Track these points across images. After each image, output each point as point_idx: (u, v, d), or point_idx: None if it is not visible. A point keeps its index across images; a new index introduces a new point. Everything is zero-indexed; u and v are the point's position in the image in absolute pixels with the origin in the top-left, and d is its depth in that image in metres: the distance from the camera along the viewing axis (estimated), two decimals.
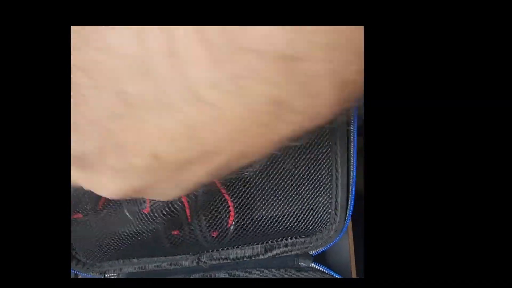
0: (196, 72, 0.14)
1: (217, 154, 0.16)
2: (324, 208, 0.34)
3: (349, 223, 0.35)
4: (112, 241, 0.34)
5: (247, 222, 0.34)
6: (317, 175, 0.33)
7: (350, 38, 0.14)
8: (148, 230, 0.32)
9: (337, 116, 0.17)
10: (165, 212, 0.30)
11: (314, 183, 0.34)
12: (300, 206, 0.34)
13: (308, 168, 0.33)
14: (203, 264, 0.35)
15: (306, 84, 0.15)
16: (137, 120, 0.15)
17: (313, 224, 0.35)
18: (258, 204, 0.34)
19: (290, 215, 0.34)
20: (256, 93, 0.15)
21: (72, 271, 0.36)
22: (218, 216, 0.33)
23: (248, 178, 0.33)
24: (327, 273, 0.36)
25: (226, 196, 0.33)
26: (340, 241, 0.35)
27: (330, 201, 0.34)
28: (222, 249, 0.35)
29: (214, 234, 0.34)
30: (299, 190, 0.34)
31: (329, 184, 0.34)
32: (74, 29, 0.15)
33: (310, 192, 0.34)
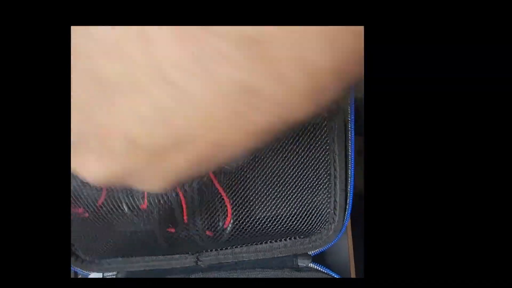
0: (163, 52, 0.14)
1: (192, 142, 0.16)
2: (323, 207, 0.34)
3: (347, 223, 0.35)
4: (110, 238, 0.34)
5: (245, 222, 0.34)
6: (315, 173, 0.33)
7: (321, 27, 0.14)
8: (145, 225, 0.32)
9: (320, 110, 0.17)
10: (161, 208, 0.30)
11: (313, 182, 0.34)
12: (298, 206, 0.34)
13: (306, 167, 0.33)
14: (201, 263, 0.35)
15: (275, 69, 0.15)
16: (112, 103, 0.16)
17: (312, 224, 0.35)
18: (256, 204, 0.34)
19: (288, 216, 0.34)
20: (222, 76, 0.15)
21: (72, 269, 0.36)
22: (215, 216, 0.33)
23: (247, 179, 0.33)
24: (326, 273, 0.36)
25: (224, 197, 0.33)
26: (339, 241, 0.35)
27: (329, 200, 0.34)
28: (221, 249, 0.35)
29: (210, 233, 0.33)
30: (298, 190, 0.34)
31: (327, 183, 0.34)
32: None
33: (309, 191, 0.34)
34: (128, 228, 0.33)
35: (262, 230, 0.34)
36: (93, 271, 0.36)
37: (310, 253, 0.37)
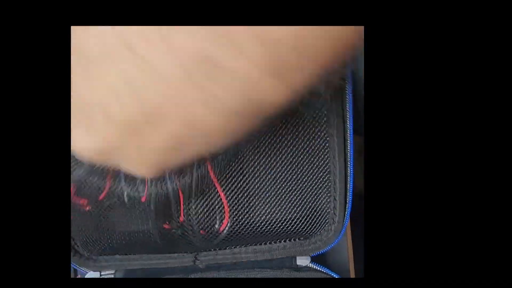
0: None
1: (163, 119, 0.17)
2: (323, 208, 0.34)
3: (347, 223, 0.35)
4: (109, 235, 0.34)
5: (243, 225, 0.33)
6: (315, 172, 0.33)
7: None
8: (142, 219, 0.32)
9: (292, 94, 0.17)
10: (158, 201, 0.30)
11: (313, 182, 0.33)
12: (299, 209, 0.34)
13: (306, 167, 0.33)
14: (199, 263, 0.35)
15: (232, 40, 0.15)
16: (89, 76, 0.16)
17: (312, 226, 0.35)
18: (255, 207, 0.33)
19: (288, 219, 0.34)
20: (180, 45, 0.15)
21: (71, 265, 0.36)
22: (212, 216, 0.33)
23: (248, 181, 0.33)
24: (326, 273, 0.35)
25: (223, 198, 0.33)
26: (338, 240, 0.35)
27: (328, 200, 0.34)
28: (219, 249, 0.35)
29: (204, 233, 0.33)
30: (298, 192, 0.34)
31: (327, 182, 0.33)
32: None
33: (309, 193, 0.34)
34: (128, 228, 0.33)
35: (261, 233, 0.34)
36: (91, 269, 0.36)
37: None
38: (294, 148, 0.33)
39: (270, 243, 0.35)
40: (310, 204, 0.34)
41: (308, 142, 0.33)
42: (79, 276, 0.38)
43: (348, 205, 0.34)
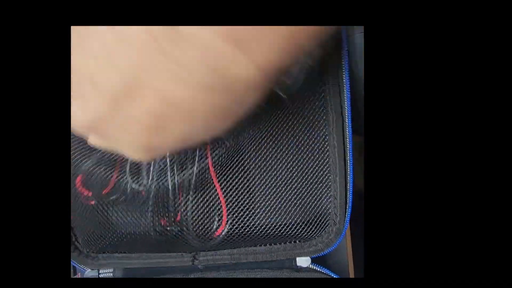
0: None
1: (139, 89, 0.17)
2: (324, 209, 0.34)
3: (348, 224, 0.34)
4: (110, 230, 0.34)
5: (241, 228, 0.33)
6: (315, 171, 0.33)
7: None
8: (142, 212, 0.32)
9: (260, 71, 0.17)
10: (157, 193, 0.30)
11: (313, 180, 0.33)
12: (300, 212, 0.34)
13: (306, 163, 0.33)
14: (198, 263, 0.35)
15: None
16: (78, 46, 0.18)
17: (314, 228, 0.34)
18: (255, 211, 0.33)
19: (288, 224, 0.34)
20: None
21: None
22: (208, 217, 0.33)
23: (248, 183, 0.33)
24: (326, 274, 0.35)
25: (222, 199, 0.32)
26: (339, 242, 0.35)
27: (329, 200, 0.34)
28: (218, 250, 0.35)
29: (200, 233, 0.33)
30: (299, 192, 0.33)
31: (327, 181, 0.33)
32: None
33: (310, 191, 0.33)
34: (128, 226, 0.33)
35: (260, 236, 0.34)
36: (89, 267, 0.36)
37: None
38: (295, 146, 0.33)
39: (270, 244, 0.35)
40: (311, 206, 0.34)
41: (308, 141, 0.33)
42: (78, 274, 0.38)
43: (349, 206, 0.33)
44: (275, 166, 0.33)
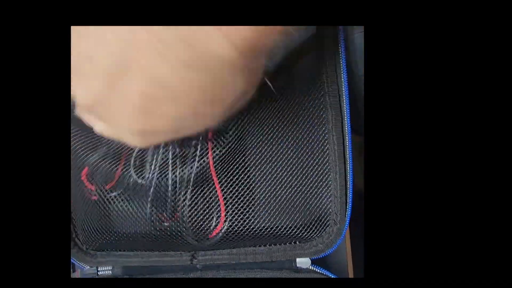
0: None
1: (130, 67, 0.18)
2: (325, 209, 0.34)
3: (348, 223, 0.34)
4: (111, 227, 0.34)
5: (240, 230, 0.33)
6: (316, 170, 0.33)
7: None
8: (141, 205, 0.32)
9: (236, 51, 0.18)
10: (157, 186, 0.31)
11: (313, 179, 0.33)
12: (301, 213, 0.34)
13: (306, 162, 0.33)
14: (197, 262, 0.35)
15: None
16: (83, 31, 0.18)
17: (314, 229, 0.34)
18: (254, 212, 0.33)
19: (287, 227, 0.34)
20: None
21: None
22: (206, 216, 0.33)
23: (249, 186, 0.33)
24: (325, 275, 0.35)
25: (221, 200, 0.32)
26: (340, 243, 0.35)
27: (330, 199, 0.33)
28: (217, 249, 0.35)
29: (197, 232, 0.33)
30: (299, 194, 0.33)
31: (327, 180, 0.33)
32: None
33: (311, 192, 0.33)
34: (126, 224, 0.33)
35: (259, 237, 0.34)
36: (88, 264, 0.36)
37: None
38: (295, 144, 0.33)
39: (269, 245, 0.35)
40: (311, 206, 0.34)
41: (308, 139, 0.33)
42: (77, 271, 0.38)
43: (349, 205, 0.33)
44: (275, 166, 0.33)
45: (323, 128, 0.33)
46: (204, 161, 0.31)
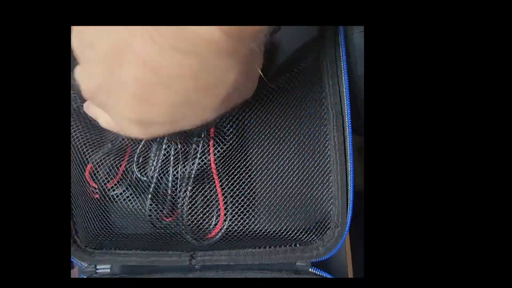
0: None
1: (126, 52, 0.18)
2: (326, 211, 0.34)
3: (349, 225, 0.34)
4: (111, 225, 0.34)
5: (239, 232, 0.33)
6: (316, 169, 0.33)
7: None
8: (141, 201, 0.32)
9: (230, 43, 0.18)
10: (157, 183, 0.30)
11: (314, 179, 0.33)
12: (301, 216, 0.34)
13: (307, 162, 0.33)
14: (195, 262, 0.35)
15: None
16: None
17: (315, 231, 0.34)
18: (254, 214, 0.33)
19: (288, 230, 0.34)
20: None
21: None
22: (205, 216, 0.33)
23: (249, 188, 0.33)
24: (325, 276, 0.35)
25: (220, 200, 0.32)
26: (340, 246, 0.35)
27: (330, 201, 0.33)
28: (216, 249, 0.35)
29: (196, 231, 0.33)
30: (300, 196, 0.33)
31: (328, 182, 0.33)
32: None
33: (311, 193, 0.33)
34: (126, 222, 0.34)
35: (259, 239, 0.34)
36: (87, 262, 0.36)
37: None
38: (296, 144, 0.33)
39: (269, 247, 0.35)
40: (312, 208, 0.34)
41: (309, 139, 0.33)
42: (76, 268, 0.38)
43: (350, 206, 0.33)
44: (276, 166, 0.33)
45: (324, 129, 0.33)
46: (205, 157, 0.31)
